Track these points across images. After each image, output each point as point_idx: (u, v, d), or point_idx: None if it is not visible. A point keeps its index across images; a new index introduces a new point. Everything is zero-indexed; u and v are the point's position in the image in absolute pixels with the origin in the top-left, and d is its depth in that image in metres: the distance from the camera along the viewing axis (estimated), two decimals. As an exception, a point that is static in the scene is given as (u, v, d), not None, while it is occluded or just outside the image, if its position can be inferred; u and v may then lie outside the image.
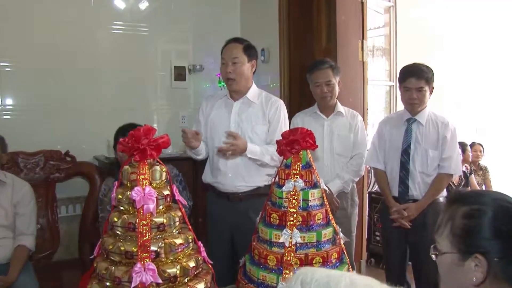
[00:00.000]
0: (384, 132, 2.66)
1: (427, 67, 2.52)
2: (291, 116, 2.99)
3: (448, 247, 1.13)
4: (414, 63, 2.63)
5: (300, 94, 3.37)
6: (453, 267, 1.12)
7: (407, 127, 2.56)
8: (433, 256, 1.18)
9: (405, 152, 2.54)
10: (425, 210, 2.51)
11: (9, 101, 3.26)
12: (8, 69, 3.23)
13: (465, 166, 4.45)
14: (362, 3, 3.15)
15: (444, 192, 2.62)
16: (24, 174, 2.96)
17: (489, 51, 5.36)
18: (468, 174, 4.40)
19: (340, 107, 2.75)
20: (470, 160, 4.48)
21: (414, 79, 2.47)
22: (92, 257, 1.58)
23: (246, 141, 2.28)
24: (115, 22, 3.59)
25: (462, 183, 4.23)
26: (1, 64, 3.21)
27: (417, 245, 2.52)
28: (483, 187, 4.67)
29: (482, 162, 4.78)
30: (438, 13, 5.01)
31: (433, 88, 2.54)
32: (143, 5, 3.71)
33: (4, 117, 3.24)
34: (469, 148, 4.44)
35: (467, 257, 1.08)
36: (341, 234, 1.82)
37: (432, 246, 1.19)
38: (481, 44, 5.30)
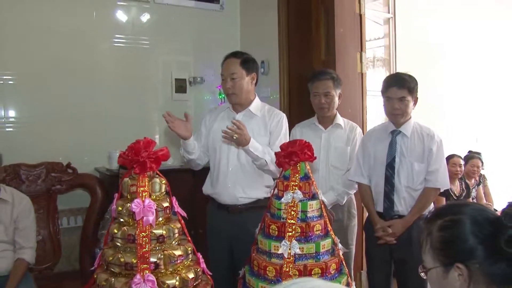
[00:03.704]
0: (368, 145, 2.55)
1: (410, 76, 2.41)
2: (290, 127, 3.02)
3: (431, 262, 1.16)
4: (397, 73, 2.54)
5: (299, 105, 3.40)
6: (440, 281, 1.14)
7: (392, 140, 2.45)
8: (422, 274, 1.20)
9: (390, 166, 2.42)
10: (411, 226, 2.38)
11: (12, 113, 3.29)
12: (11, 82, 3.26)
13: (475, 178, 4.40)
14: (360, 15, 3.17)
15: (431, 207, 2.48)
16: (26, 186, 2.98)
17: (489, 61, 5.39)
18: (470, 187, 4.36)
19: (340, 119, 2.75)
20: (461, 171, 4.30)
21: (396, 88, 2.36)
22: (92, 268, 1.60)
23: (249, 137, 2.25)
24: (117, 35, 3.63)
25: (464, 194, 4.21)
26: (5, 77, 3.24)
27: (403, 261, 2.41)
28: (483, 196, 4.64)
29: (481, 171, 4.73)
30: (438, 24, 5.05)
31: (417, 98, 2.43)
32: (145, 18, 3.76)
33: (7, 129, 3.26)
34: (461, 161, 4.28)
35: (449, 268, 1.11)
36: (340, 245, 1.83)
37: (420, 265, 1.21)
38: (481, 53, 5.33)
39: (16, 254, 2.45)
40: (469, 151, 4.51)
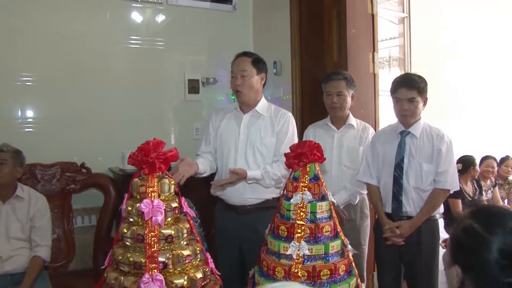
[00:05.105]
0: (377, 145, 2.54)
1: (420, 77, 2.40)
2: (303, 128, 3.02)
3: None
4: (407, 73, 2.51)
5: (312, 106, 3.39)
6: (447, 266, 1.16)
7: (401, 140, 2.44)
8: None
9: (398, 167, 2.42)
10: (420, 227, 2.37)
11: (29, 114, 3.34)
12: (29, 83, 3.31)
13: (490, 179, 4.38)
14: (373, 15, 3.15)
15: (441, 209, 2.47)
16: (41, 185, 3.03)
17: (507, 59, 5.31)
18: (486, 188, 4.32)
19: (352, 120, 2.75)
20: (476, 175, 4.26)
21: (405, 89, 2.35)
22: (103, 267, 1.62)
23: (245, 172, 2.30)
24: (132, 37, 3.66)
25: (477, 193, 4.17)
26: (22, 79, 3.30)
27: (412, 264, 2.41)
28: (506, 202, 4.59)
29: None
30: (454, 23, 5.00)
31: (427, 99, 2.42)
32: (159, 19, 3.79)
33: (24, 130, 3.32)
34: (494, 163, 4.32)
35: (453, 264, 1.12)
36: (349, 247, 1.82)
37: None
38: (499, 51, 5.25)
39: (32, 252, 2.52)
40: (507, 156, 4.53)
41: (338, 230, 1.80)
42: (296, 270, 1.65)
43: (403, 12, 4.55)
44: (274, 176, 2.35)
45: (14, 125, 3.29)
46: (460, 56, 5.04)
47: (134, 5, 3.67)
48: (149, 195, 1.48)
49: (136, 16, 3.70)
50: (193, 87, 3.86)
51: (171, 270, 1.48)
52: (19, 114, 3.31)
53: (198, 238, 1.63)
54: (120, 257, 1.49)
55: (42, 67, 3.33)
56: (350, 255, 1.80)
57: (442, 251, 2.47)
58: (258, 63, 2.46)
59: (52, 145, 3.31)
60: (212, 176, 2.64)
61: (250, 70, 2.42)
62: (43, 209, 2.61)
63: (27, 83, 3.31)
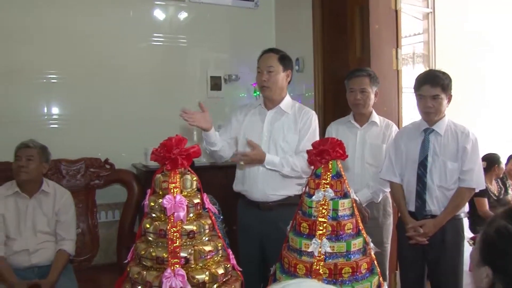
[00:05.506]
0: (400, 143, 2.50)
1: (444, 73, 2.35)
2: (325, 125, 3.00)
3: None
4: (430, 70, 2.49)
5: (334, 103, 3.36)
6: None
7: (424, 138, 2.40)
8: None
9: (422, 165, 2.38)
10: (444, 226, 2.32)
11: (54, 111, 3.41)
12: (54, 81, 3.38)
13: None
14: (396, 11, 3.10)
15: (466, 208, 2.42)
16: (66, 181, 3.10)
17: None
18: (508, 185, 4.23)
19: (375, 117, 2.73)
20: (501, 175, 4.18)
21: (429, 86, 2.30)
22: (126, 261, 1.64)
23: (264, 153, 2.31)
24: (155, 34, 3.70)
25: (502, 191, 4.08)
26: (48, 76, 3.37)
27: (436, 264, 2.36)
28: None
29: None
30: (480, 18, 4.89)
31: (451, 96, 2.37)
32: (181, 16, 3.81)
33: (51, 126, 3.39)
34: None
35: (483, 264, 1.09)
36: (371, 245, 1.80)
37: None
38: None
39: (57, 245, 2.59)
40: None
41: (360, 227, 1.78)
42: (317, 268, 1.64)
43: (428, 7, 4.48)
44: (294, 166, 2.33)
45: (40, 122, 3.36)
46: (487, 51, 4.92)
47: (156, 2, 3.70)
48: (172, 191, 1.49)
49: (159, 14, 3.73)
50: (216, 84, 3.87)
51: (192, 266, 1.49)
52: (45, 110, 3.39)
53: (219, 234, 1.63)
54: (143, 252, 1.50)
55: (66, 65, 3.39)
56: (372, 253, 1.78)
57: (467, 250, 2.42)
58: (285, 60, 2.47)
59: (76, 141, 3.36)
60: (232, 169, 2.64)
61: (276, 67, 2.43)
62: (68, 204, 2.67)
63: (52, 81, 3.38)
